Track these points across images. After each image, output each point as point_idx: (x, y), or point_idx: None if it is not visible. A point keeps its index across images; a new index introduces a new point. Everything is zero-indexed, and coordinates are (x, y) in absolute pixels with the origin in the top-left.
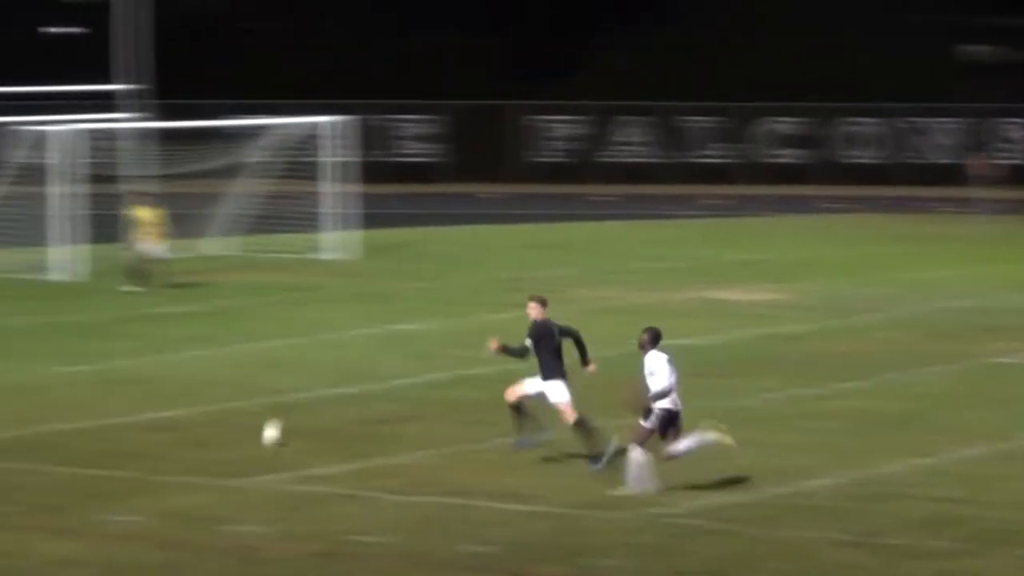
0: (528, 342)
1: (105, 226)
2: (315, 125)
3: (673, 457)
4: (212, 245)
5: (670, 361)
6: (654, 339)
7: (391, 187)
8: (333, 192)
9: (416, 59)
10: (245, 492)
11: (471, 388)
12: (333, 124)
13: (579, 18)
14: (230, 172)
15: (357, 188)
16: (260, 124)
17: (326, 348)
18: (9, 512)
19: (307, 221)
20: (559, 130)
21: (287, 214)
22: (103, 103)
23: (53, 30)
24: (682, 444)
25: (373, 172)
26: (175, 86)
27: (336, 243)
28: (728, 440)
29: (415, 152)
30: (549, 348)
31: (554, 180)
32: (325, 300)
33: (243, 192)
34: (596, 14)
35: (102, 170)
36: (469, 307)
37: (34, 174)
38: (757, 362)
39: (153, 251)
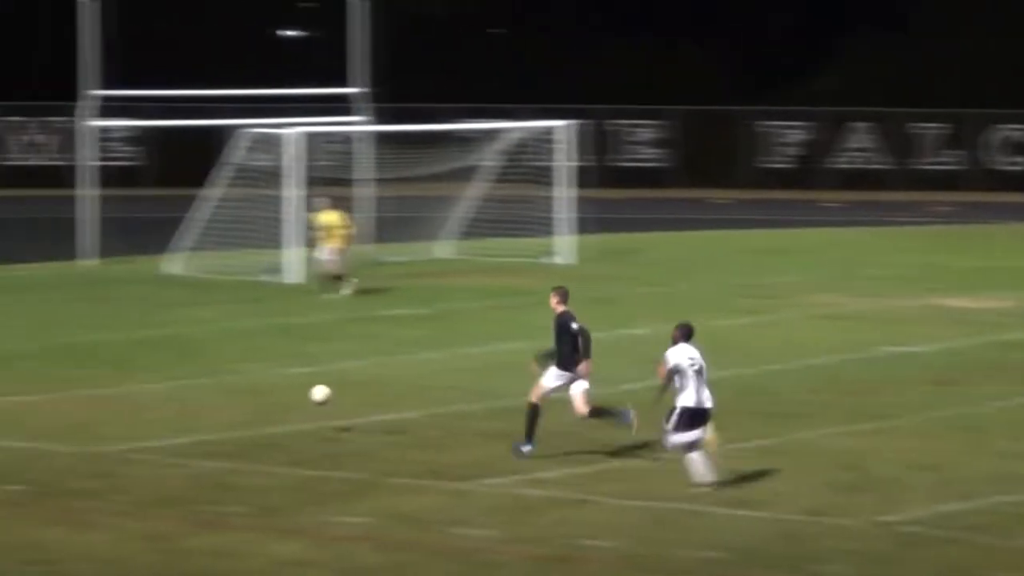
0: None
1: None
2: (543, 129)
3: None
4: (435, 248)
5: (691, 358)
6: (685, 335)
7: (620, 192)
8: (559, 196)
9: (647, 64)
10: (470, 495)
11: None
12: (561, 128)
13: (810, 24)
14: (453, 176)
15: (582, 192)
16: (487, 128)
17: None
18: (236, 512)
19: (532, 225)
20: (788, 136)
21: (511, 218)
22: (332, 106)
23: (285, 33)
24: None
25: (602, 176)
26: (404, 89)
27: (561, 247)
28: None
29: (644, 157)
30: (569, 340)
31: (783, 185)
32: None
33: (466, 195)
34: (828, 20)
35: (328, 172)
36: (697, 312)
37: (262, 176)
38: (984, 369)
39: (333, 255)
